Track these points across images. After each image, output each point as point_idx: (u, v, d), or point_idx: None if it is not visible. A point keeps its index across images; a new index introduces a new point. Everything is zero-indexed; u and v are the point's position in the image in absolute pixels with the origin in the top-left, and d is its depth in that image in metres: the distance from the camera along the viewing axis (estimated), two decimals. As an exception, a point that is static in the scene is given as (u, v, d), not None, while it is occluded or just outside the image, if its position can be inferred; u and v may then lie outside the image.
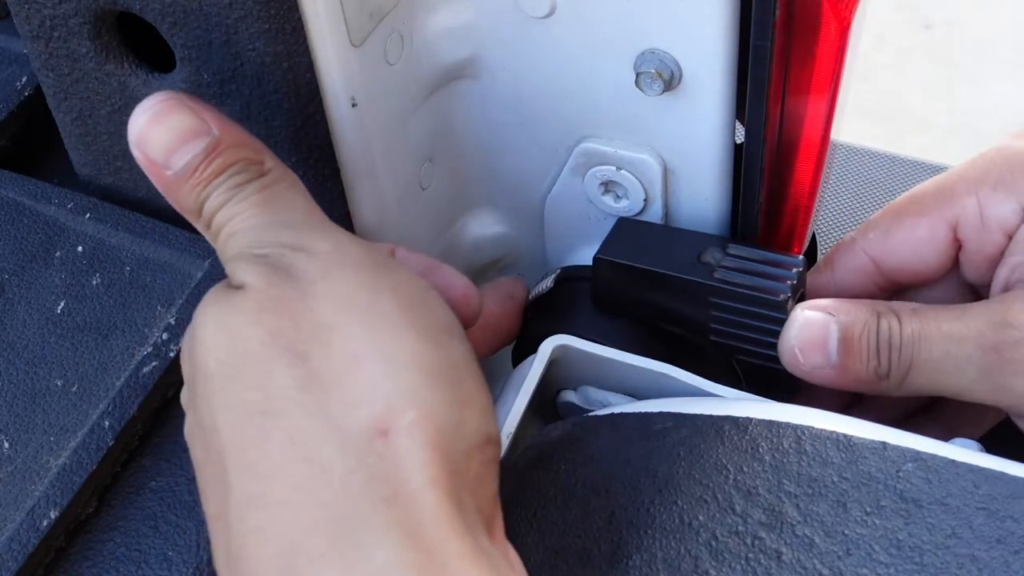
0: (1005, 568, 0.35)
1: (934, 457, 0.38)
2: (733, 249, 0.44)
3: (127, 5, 0.40)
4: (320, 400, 0.30)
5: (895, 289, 0.45)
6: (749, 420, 0.40)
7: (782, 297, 0.42)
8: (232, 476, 0.30)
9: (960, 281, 0.44)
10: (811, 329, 0.41)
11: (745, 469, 0.38)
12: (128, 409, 0.41)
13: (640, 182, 0.47)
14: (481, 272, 0.57)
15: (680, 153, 0.45)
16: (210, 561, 0.39)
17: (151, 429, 0.42)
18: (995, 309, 0.39)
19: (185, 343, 0.35)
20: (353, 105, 0.42)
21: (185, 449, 0.41)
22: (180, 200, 0.36)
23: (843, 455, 0.38)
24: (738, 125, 0.44)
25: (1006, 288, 0.41)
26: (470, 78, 0.47)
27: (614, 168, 0.47)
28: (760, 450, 0.39)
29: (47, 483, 0.39)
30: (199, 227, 0.37)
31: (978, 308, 0.40)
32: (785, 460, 0.38)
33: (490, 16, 0.44)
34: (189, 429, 0.34)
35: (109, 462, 0.40)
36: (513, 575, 0.30)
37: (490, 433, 0.32)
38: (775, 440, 0.39)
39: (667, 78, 0.42)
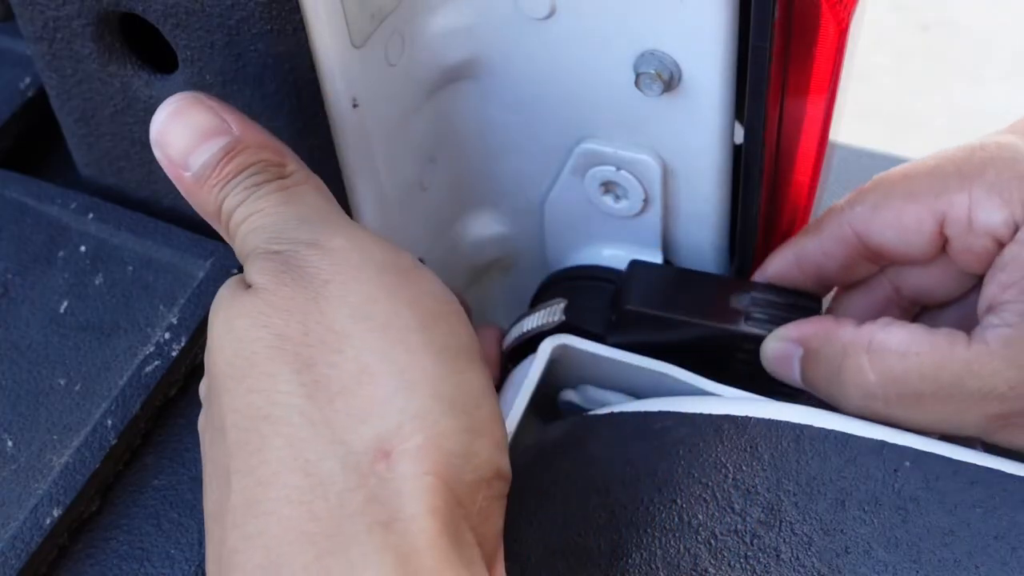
0: (1002, 566, 0.35)
1: (932, 455, 0.38)
2: (758, 293, 0.45)
3: (130, 7, 0.40)
4: (324, 410, 0.30)
5: (881, 262, 0.44)
6: (748, 419, 0.40)
7: None
8: (234, 478, 0.30)
9: (954, 267, 0.42)
10: (776, 361, 0.43)
11: (744, 468, 0.39)
12: (131, 408, 0.41)
13: (640, 182, 0.47)
14: (482, 272, 0.57)
15: (680, 153, 0.46)
16: (212, 559, 0.39)
17: (154, 428, 0.42)
18: (1002, 375, 0.38)
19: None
20: (354, 106, 0.42)
21: (188, 448, 0.42)
22: (201, 203, 0.36)
23: (841, 454, 0.38)
24: (737, 125, 0.45)
25: (991, 308, 0.39)
26: (470, 79, 0.47)
27: (614, 168, 0.47)
28: (759, 449, 0.39)
29: (50, 481, 0.39)
30: (221, 231, 0.36)
31: (984, 366, 0.38)
32: (784, 459, 0.39)
33: (490, 17, 0.44)
34: (202, 423, 0.34)
35: (112, 461, 0.40)
36: None
37: (500, 467, 0.31)
38: (774, 439, 0.39)
39: (667, 79, 0.42)
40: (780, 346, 0.43)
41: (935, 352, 0.38)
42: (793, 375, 0.43)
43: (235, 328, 0.31)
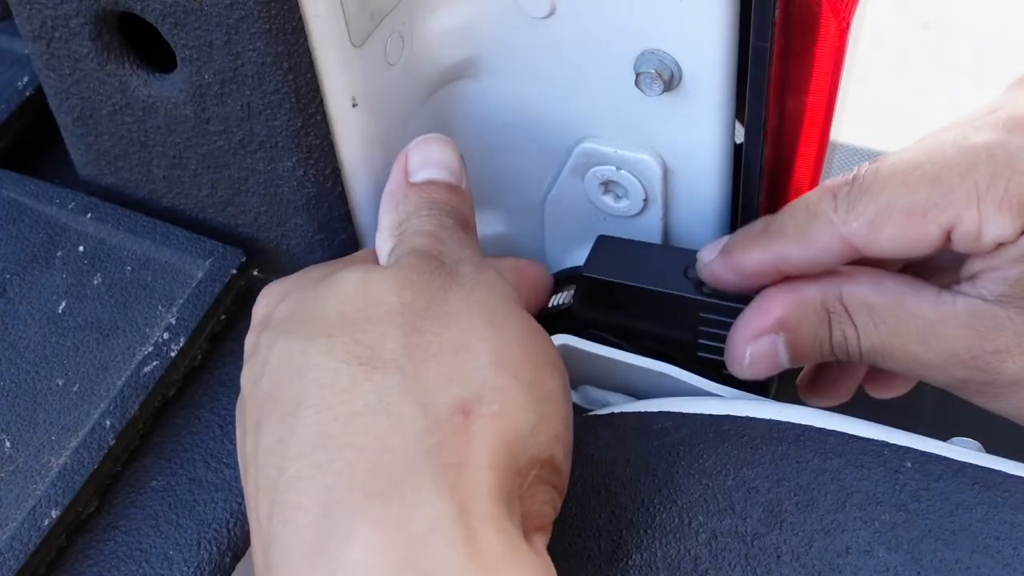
0: (1003, 567, 0.35)
1: (933, 456, 0.38)
2: None
3: (128, 6, 0.40)
4: (417, 366, 0.33)
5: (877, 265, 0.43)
6: (749, 420, 0.40)
7: None
8: (306, 413, 0.32)
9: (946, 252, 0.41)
10: (758, 364, 0.42)
11: (744, 468, 0.39)
12: (129, 408, 0.41)
13: (640, 182, 0.47)
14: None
15: (680, 153, 0.45)
16: (210, 560, 0.39)
17: (152, 428, 0.42)
18: (964, 341, 0.39)
19: (284, 288, 0.38)
20: (354, 105, 0.42)
21: (186, 449, 0.42)
22: (395, 204, 0.40)
23: (842, 454, 0.38)
24: (738, 125, 0.44)
25: (972, 277, 0.39)
26: (470, 78, 0.47)
27: (614, 168, 0.47)
28: (759, 449, 0.39)
29: (48, 482, 0.39)
30: (382, 236, 0.40)
31: (947, 328, 0.39)
32: (784, 459, 0.39)
33: (490, 16, 0.44)
34: (255, 369, 0.36)
35: (110, 461, 0.40)
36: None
37: (554, 455, 0.34)
38: (774, 440, 0.39)
39: (667, 78, 0.42)
40: (761, 344, 0.41)
41: (904, 299, 0.40)
42: (780, 363, 0.42)
43: (368, 290, 0.35)
